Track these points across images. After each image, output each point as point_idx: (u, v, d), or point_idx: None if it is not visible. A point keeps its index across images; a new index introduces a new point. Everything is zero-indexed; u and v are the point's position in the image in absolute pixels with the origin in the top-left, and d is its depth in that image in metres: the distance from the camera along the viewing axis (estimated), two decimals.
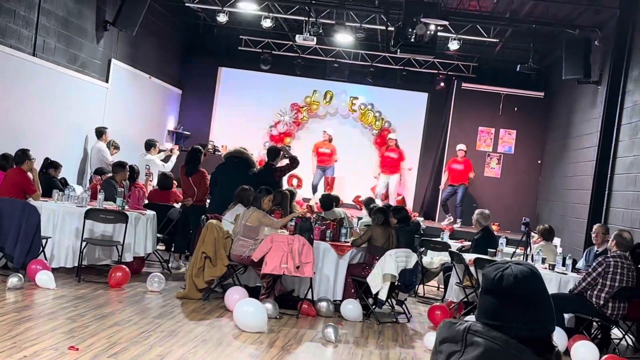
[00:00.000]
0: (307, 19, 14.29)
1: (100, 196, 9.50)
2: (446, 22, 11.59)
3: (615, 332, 8.53)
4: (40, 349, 5.64)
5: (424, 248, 11.09)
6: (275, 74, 17.92)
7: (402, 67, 17.44)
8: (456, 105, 17.45)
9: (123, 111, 14.75)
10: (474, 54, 16.74)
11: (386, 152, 17.13)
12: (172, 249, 11.09)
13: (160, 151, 13.58)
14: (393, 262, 8.42)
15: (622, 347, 8.36)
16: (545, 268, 8.82)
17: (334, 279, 8.92)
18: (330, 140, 16.92)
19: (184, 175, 10.77)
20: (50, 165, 10.54)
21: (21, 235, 8.37)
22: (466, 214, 16.00)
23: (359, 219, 12.24)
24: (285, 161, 10.75)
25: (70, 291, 8.10)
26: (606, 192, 11.08)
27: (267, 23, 14.59)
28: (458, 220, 15.81)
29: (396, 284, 8.57)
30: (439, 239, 11.94)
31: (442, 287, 11.11)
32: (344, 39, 15.40)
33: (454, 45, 14.14)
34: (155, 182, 12.22)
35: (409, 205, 16.87)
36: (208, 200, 10.71)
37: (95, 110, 13.46)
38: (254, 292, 8.43)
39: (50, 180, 10.21)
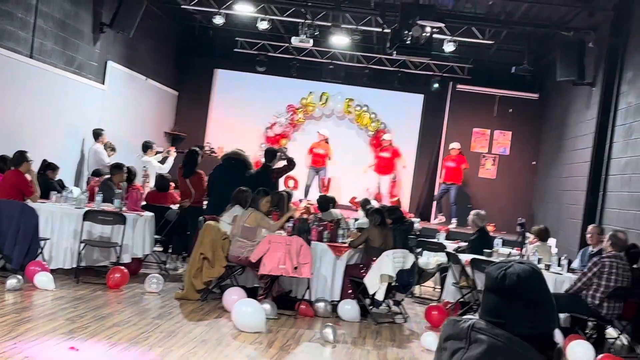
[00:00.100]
0: (303, 21, 14.34)
1: (98, 198, 9.54)
2: (442, 24, 11.65)
3: (610, 332, 8.60)
4: (40, 350, 5.68)
5: (420, 249, 11.15)
6: (271, 75, 17.97)
7: (397, 69, 17.50)
8: (451, 107, 17.51)
9: (120, 113, 14.78)
10: (469, 55, 16.81)
11: (380, 152, 17.22)
12: (170, 250, 11.13)
13: (157, 153, 13.60)
14: (390, 262, 8.48)
15: (617, 346, 8.43)
16: (541, 268, 8.86)
17: (332, 279, 8.97)
18: (326, 141, 16.96)
19: (182, 177, 10.81)
20: (48, 167, 10.57)
21: (20, 237, 8.41)
22: (462, 215, 16.10)
23: (355, 220, 12.28)
24: (282, 163, 10.79)
25: (69, 292, 8.14)
26: (601, 193, 11.15)
27: (263, 25, 14.63)
28: (453, 220, 15.87)
29: (393, 284, 8.62)
30: (435, 240, 12.01)
31: (438, 287, 11.17)
32: (339, 40, 15.44)
33: (449, 47, 14.20)
34: (152, 183, 12.25)
35: (405, 207, 16.93)
36: (205, 202, 10.74)
37: (92, 112, 13.48)
38: (251, 293, 8.47)
39: (48, 182, 10.23)
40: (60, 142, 12.35)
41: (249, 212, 8.75)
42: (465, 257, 9.35)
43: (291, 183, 16.88)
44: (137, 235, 9.64)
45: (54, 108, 12.07)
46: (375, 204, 13.26)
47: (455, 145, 16.54)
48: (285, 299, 8.67)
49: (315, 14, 14.44)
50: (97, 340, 6.18)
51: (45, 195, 9.50)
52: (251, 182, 9.75)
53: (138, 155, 13.19)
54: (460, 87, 17.34)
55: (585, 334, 8.29)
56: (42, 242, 8.71)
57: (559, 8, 12.84)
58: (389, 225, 9.23)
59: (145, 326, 6.97)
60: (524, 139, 17.20)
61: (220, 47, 18.01)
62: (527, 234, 10.41)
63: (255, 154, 16.42)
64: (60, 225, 9.09)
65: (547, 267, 8.92)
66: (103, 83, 13.89)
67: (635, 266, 8.41)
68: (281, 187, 12.25)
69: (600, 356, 7.28)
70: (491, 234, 11.13)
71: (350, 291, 8.96)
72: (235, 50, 17.95)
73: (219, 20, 14.79)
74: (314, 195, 16.26)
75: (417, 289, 11.02)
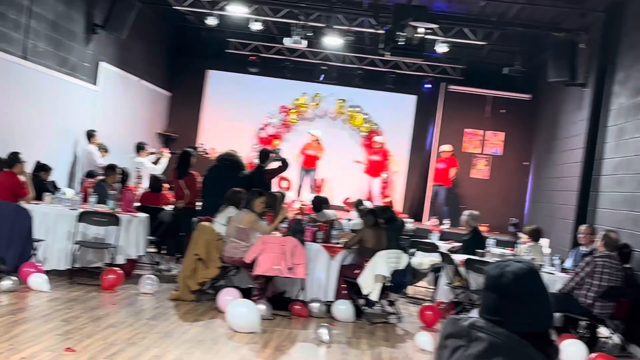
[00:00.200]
0: (296, 22, 14.36)
1: (92, 199, 9.54)
2: (435, 25, 11.70)
3: (603, 331, 8.66)
4: (37, 351, 5.69)
5: (414, 249, 11.19)
6: (264, 76, 17.97)
7: (390, 70, 17.53)
8: (444, 108, 17.57)
9: (112, 114, 14.76)
10: (461, 56, 16.86)
11: (370, 155, 17.27)
12: (164, 251, 11.13)
13: (150, 154, 13.60)
14: (384, 263, 8.52)
15: (609, 345, 8.48)
16: None
17: (326, 280, 9.00)
18: (317, 141, 16.98)
19: (175, 178, 10.83)
20: (41, 169, 10.57)
21: (14, 238, 8.41)
22: (454, 216, 16.15)
23: (349, 220, 12.32)
24: (276, 163, 10.82)
25: (63, 293, 8.14)
26: (592, 193, 11.21)
27: (256, 26, 14.64)
28: (446, 221, 15.91)
29: (387, 284, 8.65)
30: (428, 240, 12.06)
31: (432, 287, 11.21)
32: (332, 41, 15.47)
33: (442, 48, 14.25)
34: (145, 184, 12.26)
35: (398, 207, 16.98)
36: (199, 203, 10.75)
37: (85, 113, 13.46)
38: (246, 294, 8.49)
39: (41, 183, 10.23)
40: (53, 143, 12.33)
41: (243, 213, 8.78)
42: (458, 258, 9.40)
43: (284, 184, 16.90)
44: (131, 236, 9.66)
45: (47, 109, 12.05)
46: (368, 204, 13.30)
47: (446, 147, 16.62)
48: (280, 300, 8.69)
49: (308, 15, 14.46)
50: (93, 341, 6.18)
51: (38, 197, 9.50)
52: (245, 183, 9.79)
53: (131, 156, 13.19)
54: (452, 87, 17.40)
55: (578, 333, 8.35)
56: (36, 244, 8.71)
57: (550, 9, 12.90)
58: (382, 226, 9.26)
59: (141, 327, 6.98)
60: (516, 139, 17.27)
61: (212, 48, 18.00)
62: (520, 234, 10.46)
63: (248, 155, 16.44)
64: (54, 227, 9.09)
65: (540, 267, 8.97)
66: (96, 84, 13.87)
67: (627, 265, 8.49)
68: (274, 188, 12.28)
69: (593, 355, 7.34)
70: (484, 234, 11.18)
71: (344, 291, 8.99)
72: (228, 51, 17.95)
73: (211, 21, 14.80)
74: (306, 196, 16.32)
75: (410, 289, 11.06)
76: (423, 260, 10.92)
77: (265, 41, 17.53)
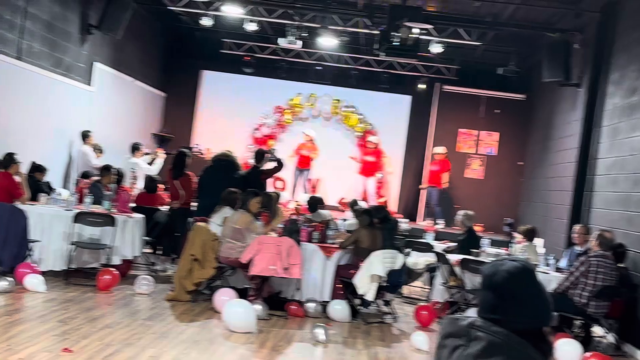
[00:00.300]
0: (291, 22, 14.37)
1: (88, 199, 9.54)
2: (430, 26, 11.74)
3: (597, 330, 8.70)
4: (34, 351, 5.69)
5: (409, 249, 11.21)
6: (259, 77, 17.97)
7: (384, 70, 17.56)
8: (438, 108, 17.60)
9: (107, 114, 14.76)
10: (456, 56, 16.90)
11: (364, 155, 17.30)
12: (159, 252, 11.14)
13: (145, 154, 13.59)
14: (380, 263, 8.54)
15: (604, 345, 8.53)
16: None
17: (322, 280, 9.02)
18: (311, 141, 16.99)
19: (171, 178, 10.83)
20: (36, 169, 10.57)
21: (9, 239, 8.41)
22: (448, 216, 16.18)
23: (344, 220, 12.34)
24: (272, 164, 10.83)
25: (59, 294, 8.14)
26: (587, 193, 11.25)
27: (251, 27, 14.64)
28: (440, 222, 15.96)
29: (383, 284, 8.68)
30: (423, 240, 12.10)
31: (427, 287, 11.24)
32: (327, 42, 15.49)
33: (436, 49, 14.28)
34: (140, 185, 12.26)
35: (392, 207, 17.00)
36: (194, 203, 10.76)
37: (80, 114, 13.45)
38: (242, 294, 8.50)
39: (36, 184, 10.22)
40: (47, 144, 12.32)
41: (239, 213, 8.78)
42: (454, 257, 9.43)
43: (279, 184, 16.91)
44: (127, 237, 9.65)
45: (42, 110, 12.04)
46: (363, 204, 13.33)
47: (439, 149, 16.66)
48: (276, 300, 8.71)
49: (303, 16, 14.48)
50: (89, 342, 6.19)
51: (33, 197, 9.50)
52: (240, 183, 9.79)
53: (126, 156, 13.19)
54: (447, 88, 17.43)
55: (572, 333, 8.39)
56: (31, 244, 8.70)
57: (545, 9, 12.94)
58: (377, 226, 9.28)
59: (137, 327, 6.99)
60: (511, 139, 17.31)
61: (207, 49, 18.00)
62: (515, 234, 10.50)
63: (242, 155, 16.45)
64: (49, 227, 9.09)
65: (535, 266, 9.00)
66: (90, 85, 13.86)
67: (621, 265, 8.53)
68: (269, 188, 12.29)
69: (587, 354, 7.38)
70: (479, 234, 11.22)
71: (340, 292, 9.01)
72: (222, 51, 17.96)
73: (207, 22, 14.79)
74: (300, 196, 16.34)
75: (405, 289, 11.09)
76: (418, 260, 10.94)
77: (260, 42, 17.54)
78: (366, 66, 17.66)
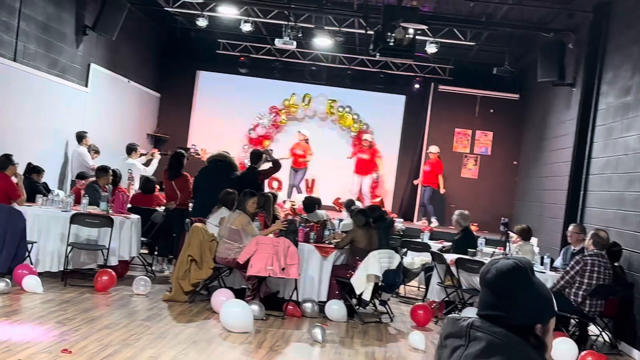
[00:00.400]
0: (286, 22, 14.40)
1: (85, 201, 9.55)
2: (425, 27, 11.77)
3: (592, 329, 8.76)
4: (34, 352, 5.72)
5: (405, 249, 11.26)
6: (254, 77, 18.02)
7: (379, 70, 17.61)
8: (433, 107, 17.66)
9: (103, 115, 14.78)
10: (450, 56, 16.96)
11: (359, 153, 17.34)
12: (156, 252, 11.16)
13: (141, 155, 13.60)
14: (377, 263, 8.57)
15: (599, 343, 8.58)
16: None
17: (319, 280, 9.05)
18: (306, 140, 17.01)
19: (167, 179, 10.84)
20: (33, 170, 10.57)
21: (7, 240, 8.43)
22: (439, 214, 16.26)
23: (340, 220, 12.37)
24: (268, 164, 10.86)
25: (57, 295, 8.16)
26: (581, 192, 11.31)
27: (246, 27, 14.67)
28: (433, 220, 16.03)
29: (380, 284, 8.72)
30: (419, 240, 12.15)
31: (423, 287, 11.29)
32: (322, 42, 15.53)
33: (431, 49, 14.33)
34: (136, 186, 12.28)
35: (388, 207, 17.05)
36: (191, 204, 10.78)
37: (75, 115, 13.47)
38: (239, 294, 8.53)
39: (33, 185, 10.24)
40: (43, 145, 12.33)
41: (236, 214, 8.81)
42: (449, 257, 9.48)
43: (275, 184, 16.94)
44: (124, 238, 9.66)
45: (38, 111, 12.05)
46: (359, 204, 13.36)
47: (433, 149, 16.72)
48: (273, 300, 8.74)
49: (298, 16, 14.52)
50: (88, 343, 6.21)
51: (30, 199, 9.51)
52: (237, 184, 9.82)
53: (122, 157, 13.20)
54: (441, 87, 17.50)
55: (568, 332, 8.45)
56: (29, 245, 8.72)
57: (538, 10, 13.00)
58: (373, 226, 9.30)
59: (136, 328, 7.02)
60: (505, 139, 17.38)
61: (202, 49, 18.03)
62: (510, 234, 10.55)
63: (238, 156, 16.48)
64: (46, 229, 9.10)
65: (531, 264, 9.03)
66: (86, 86, 13.88)
67: (616, 264, 8.59)
68: (265, 188, 12.31)
69: (583, 353, 7.43)
70: (475, 233, 11.26)
71: (337, 291, 9.04)
72: (218, 52, 17.98)
73: (202, 22, 14.81)
74: (295, 196, 16.38)
75: (401, 289, 11.13)
76: (414, 259, 10.99)
77: (255, 42, 17.57)
78: (361, 66, 17.71)
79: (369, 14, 13.22)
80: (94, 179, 10.69)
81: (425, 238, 12.61)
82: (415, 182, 17.19)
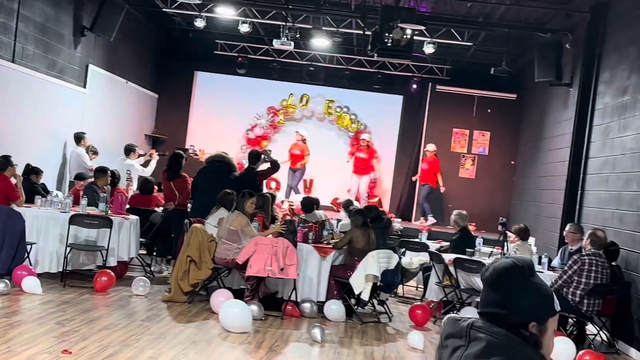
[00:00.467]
0: (284, 23, 14.43)
1: (83, 201, 9.56)
2: (422, 27, 11.81)
3: (590, 328, 8.80)
4: (34, 353, 5.74)
5: (403, 249, 11.29)
6: (252, 77, 18.03)
7: (377, 70, 17.63)
8: (431, 108, 17.69)
9: (101, 116, 14.79)
10: (448, 57, 16.99)
11: (357, 152, 17.37)
12: (154, 253, 11.17)
13: (139, 156, 13.62)
14: (375, 263, 8.60)
15: (597, 342, 8.62)
16: None
17: (317, 280, 9.07)
18: (303, 141, 17.02)
19: (166, 180, 10.86)
20: (32, 171, 10.58)
21: (6, 241, 8.45)
22: (439, 214, 16.29)
23: (338, 220, 12.41)
24: (266, 165, 10.88)
25: (56, 296, 8.17)
26: (579, 191, 11.35)
27: (244, 28, 14.69)
28: (430, 218, 16.06)
29: (378, 284, 8.74)
30: (417, 240, 12.18)
31: (421, 286, 11.32)
32: (320, 43, 15.56)
33: (429, 49, 14.36)
34: (135, 186, 12.29)
35: (386, 207, 17.08)
36: (189, 205, 10.79)
37: (74, 116, 13.49)
38: (238, 295, 8.55)
39: (32, 186, 10.24)
40: (42, 146, 12.34)
41: (235, 215, 8.83)
42: (448, 257, 9.51)
43: (273, 185, 16.95)
44: (123, 239, 9.69)
45: (36, 112, 12.07)
46: (357, 204, 13.39)
47: (430, 147, 16.74)
48: (272, 300, 8.76)
49: (295, 17, 14.54)
50: (88, 344, 6.23)
51: (29, 200, 9.53)
52: (235, 184, 9.84)
53: (120, 158, 13.21)
54: (439, 87, 17.52)
55: (566, 331, 8.49)
56: (28, 247, 8.73)
57: (536, 10, 13.04)
58: (370, 226, 9.32)
59: (135, 329, 7.04)
60: (503, 139, 17.41)
61: (200, 50, 18.04)
62: (508, 233, 10.59)
63: (236, 156, 16.50)
64: (45, 230, 9.12)
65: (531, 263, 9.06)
66: (84, 87, 13.89)
67: (613, 263, 8.63)
68: (264, 189, 12.32)
69: (581, 352, 7.47)
70: (473, 233, 11.29)
71: (335, 292, 9.07)
72: (215, 52, 18.00)
73: (200, 23, 14.83)
74: (293, 196, 16.39)
75: (400, 289, 11.16)
76: (412, 259, 11.02)
77: (252, 42, 17.58)
78: (359, 67, 17.73)
79: (366, 15, 13.25)
80: (92, 180, 10.71)
81: (423, 238, 12.64)
82: (413, 178, 17.21)
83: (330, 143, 18.14)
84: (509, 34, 14.42)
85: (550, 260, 9.53)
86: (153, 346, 6.45)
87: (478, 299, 8.92)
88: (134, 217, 10.04)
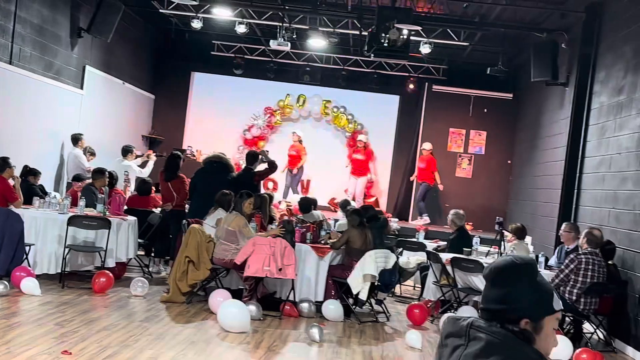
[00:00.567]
0: (280, 24, 14.45)
1: (81, 203, 9.58)
2: (419, 28, 11.85)
3: (587, 327, 8.84)
4: (34, 354, 5.76)
5: (401, 249, 11.31)
6: (249, 78, 18.05)
7: (373, 70, 17.67)
8: (427, 107, 17.71)
9: (98, 117, 14.80)
10: (444, 56, 17.03)
11: (353, 154, 17.40)
12: (153, 254, 11.19)
13: (137, 157, 13.63)
14: (373, 262, 8.63)
15: (594, 341, 8.66)
16: None
17: (315, 280, 9.11)
18: (299, 141, 17.03)
19: (163, 181, 10.88)
20: (30, 173, 10.59)
21: (5, 243, 8.46)
22: (435, 213, 16.33)
23: (335, 220, 12.43)
24: (264, 165, 10.90)
25: (55, 297, 8.19)
26: (575, 191, 11.39)
27: (241, 29, 14.72)
28: (425, 216, 16.09)
29: (376, 284, 8.77)
30: (414, 240, 12.20)
31: (418, 286, 11.35)
32: (317, 43, 15.58)
33: (425, 49, 14.39)
34: (133, 187, 12.31)
35: (383, 207, 17.11)
36: (187, 205, 10.81)
37: (71, 117, 13.50)
38: (236, 295, 8.58)
39: (30, 187, 10.26)
40: (39, 147, 12.35)
41: (233, 215, 8.86)
42: (445, 256, 9.54)
43: (270, 185, 16.97)
44: (121, 240, 9.71)
45: (34, 114, 12.08)
46: (354, 205, 13.42)
47: (426, 146, 16.77)
48: (270, 300, 8.79)
49: (292, 17, 14.56)
50: (87, 344, 6.26)
51: (27, 201, 9.54)
52: (233, 185, 9.86)
53: (118, 159, 13.22)
54: (435, 87, 17.55)
55: (563, 329, 8.53)
56: (27, 248, 8.75)
57: (531, 10, 13.07)
58: (367, 225, 9.35)
59: (134, 329, 7.06)
60: (499, 138, 17.44)
61: (197, 50, 18.06)
62: (505, 233, 10.63)
63: (233, 157, 16.51)
64: (44, 231, 9.13)
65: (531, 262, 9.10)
66: (81, 88, 13.90)
67: (610, 262, 8.67)
68: (261, 189, 12.34)
69: (577, 351, 7.51)
70: (470, 232, 11.32)
71: (333, 292, 9.10)
72: (212, 53, 18.01)
73: (197, 24, 14.85)
74: (290, 196, 16.41)
75: (397, 288, 11.18)
76: (410, 259, 11.05)
77: (249, 43, 17.61)
78: (355, 67, 17.76)
79: (363, 15, 13.28)
80: (90, 181, 10.72)
81: (420, 237, 12.68)
82: (412, 178, 17.23)
83: (327, 143, 18.17)
84: (505, 33, 14.46)
85: (547, 260, 9.57)
86: (152, 347, 6.48)
87: (475, 298, 8.98)
88: (132, 218, 10.06)
